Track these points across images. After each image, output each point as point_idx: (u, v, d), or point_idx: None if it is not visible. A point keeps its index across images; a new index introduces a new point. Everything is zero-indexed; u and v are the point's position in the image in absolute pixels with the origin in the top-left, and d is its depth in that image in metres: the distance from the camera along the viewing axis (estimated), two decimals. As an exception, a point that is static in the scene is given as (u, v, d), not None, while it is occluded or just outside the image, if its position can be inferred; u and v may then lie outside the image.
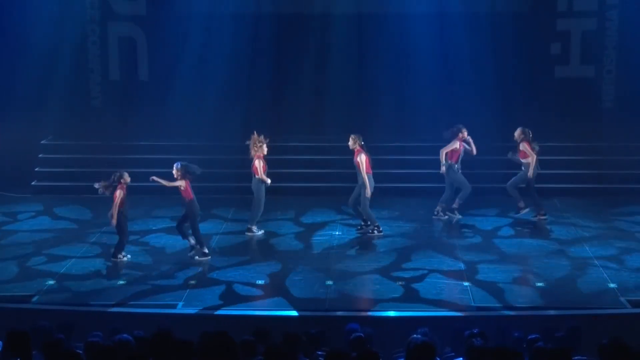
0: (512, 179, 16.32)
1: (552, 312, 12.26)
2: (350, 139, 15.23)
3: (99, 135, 19.21)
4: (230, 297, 12.81)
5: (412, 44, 19.16)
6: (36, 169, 18.79)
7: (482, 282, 13.25)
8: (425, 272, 13.70)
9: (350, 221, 16.06)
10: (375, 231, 15.42)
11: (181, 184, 14.12)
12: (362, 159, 15.02)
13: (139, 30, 19.77)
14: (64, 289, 13.14)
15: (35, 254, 14.57)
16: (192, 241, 14.28)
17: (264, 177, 15.14)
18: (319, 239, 15.39)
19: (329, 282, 13.32)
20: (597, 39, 19.46)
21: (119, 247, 14.07)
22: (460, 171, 16.13)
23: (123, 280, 13.44)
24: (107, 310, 12.23)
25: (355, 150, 15.15)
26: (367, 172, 15.07)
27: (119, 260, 14.01)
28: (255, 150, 15.24)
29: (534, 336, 9.26)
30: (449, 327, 10.21)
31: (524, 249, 14.78)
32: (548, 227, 15.94)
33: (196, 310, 12.33)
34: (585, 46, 19.50)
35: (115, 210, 13.83)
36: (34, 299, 12.72)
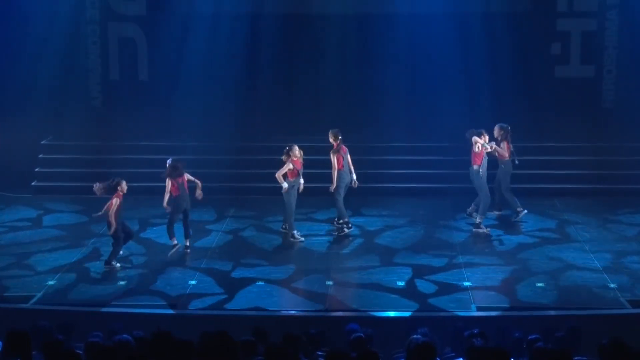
0: (503, 184, 16.03)
1: (552, 312, 12.27)
2: (331, 133, 15.28)
3: (99, 135, 19.19)
4: (230, 297, 12.81)
5: (412, 45, 19.13)
6: (36, 169, 18.77)
7: (482, 282, 13.25)
8: (425, 272, 13.70)
9: (351, 220, 16.06)
10: (345, 228, 15.43)
11: (167, 184, 14.17)
12: (335, 153, 15.14)
13: (139, 31, 19.75)
14: (64, 289, 13.13)
15: (35, 254, 14.56)
16: (175, 241, 14.39)
17: (281, 178, 14.89)
18: (320, 239, 15.38)
19: (329, 282, 13.33)
20: (597, 39, 19.44)
21: (114, 254, 13.95)
22: (484, 175, 15.60)
23: (123, 281, 13.44)
24: (107, 311, 12.23)
25: (334, 145, 15.22)
26: (338, 169, 15.18)
27: (111, 267, 13.87)
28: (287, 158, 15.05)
29: (534, 336, 9.25)
30: (449, 327, 10.21)
31: (523, 250, 14.76)
32: (548, 227, 15.92)
33: (196, 311, 12.33)
34: (585, 46, 19.48)
35: (112, 219, 13.68)
36: (34, 299, 12.72)
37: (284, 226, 15.47)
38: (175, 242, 14.43)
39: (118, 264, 13.93)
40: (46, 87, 19.25)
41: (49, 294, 12.95)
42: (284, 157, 14.97)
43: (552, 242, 15.14)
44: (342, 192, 15.30)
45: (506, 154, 15.80)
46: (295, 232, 15.17)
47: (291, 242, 15.17)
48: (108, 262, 13.90)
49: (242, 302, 12.65)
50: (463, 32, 19.00)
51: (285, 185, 14.85)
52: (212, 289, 13.07)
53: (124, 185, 13.82)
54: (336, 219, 15.60)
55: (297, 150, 14.99)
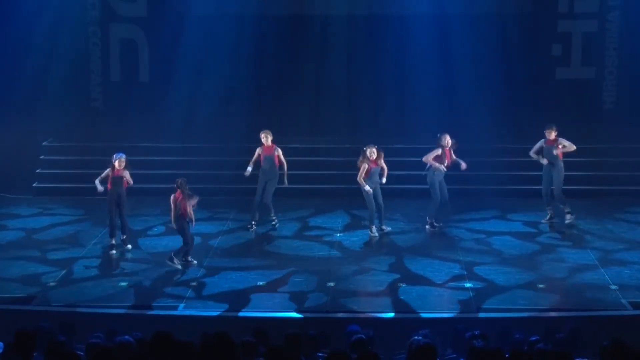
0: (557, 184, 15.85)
1: (553, 314, 12.26)
2: (263, 134, 15.63)
3: (100, 136, 19.22)
4: (231, 298, 12.80)
5: (413, 46, 19.16)
6: (37, 171, 18.79)
7: (482, 284, 13.24)
8: (426, 273, 13.70)
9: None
10: (250, 226, 15.80)
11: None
12: (278, 152, 15.60)
13: (139, 32, 19.79)
14: (65, 291, 13.12)
15: (36, 256, 14.56)
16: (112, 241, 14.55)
17: (362, 181, 15.06)
18: (320, 240, 15.38)
19: (330, 284, 13.32)
20: (598, 41, 19.47)
21: (181, 251, 13.92)
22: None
23: (124, 282, 13.44)
24: (108, 312, 12.23)
25: (269, 144, 15.64)
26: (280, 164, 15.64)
27: (175, 263, 13.78)
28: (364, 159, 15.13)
29: (535, 337, 9.25)
30: (450, 329, 10.20)
31: (524, 251, 14.76)
32: (549, 228, 15.92)
33: (197, 312, 12.34)
34: (586, 48, 19.51)
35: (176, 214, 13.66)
36: (35, 300, 12.71)
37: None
38: (112, 241, 14.56)
39: (179, 265, 13.84)
40: (47, 88, 19.30)
41: (50, 294, 12.94)
42: (360, 159, 15.09)
43: (553, 243, 15.13)
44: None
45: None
46: (374, 227, 15.34)
47: (292, 243, 15.20)
48: (172, 258, 13.80)
49: (242, 303, 12.64)
50: (463, 33, 19.01)
51: (367, 187, 15.04)
52: (211, 290, 13.07)
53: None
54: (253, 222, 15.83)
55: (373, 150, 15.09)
